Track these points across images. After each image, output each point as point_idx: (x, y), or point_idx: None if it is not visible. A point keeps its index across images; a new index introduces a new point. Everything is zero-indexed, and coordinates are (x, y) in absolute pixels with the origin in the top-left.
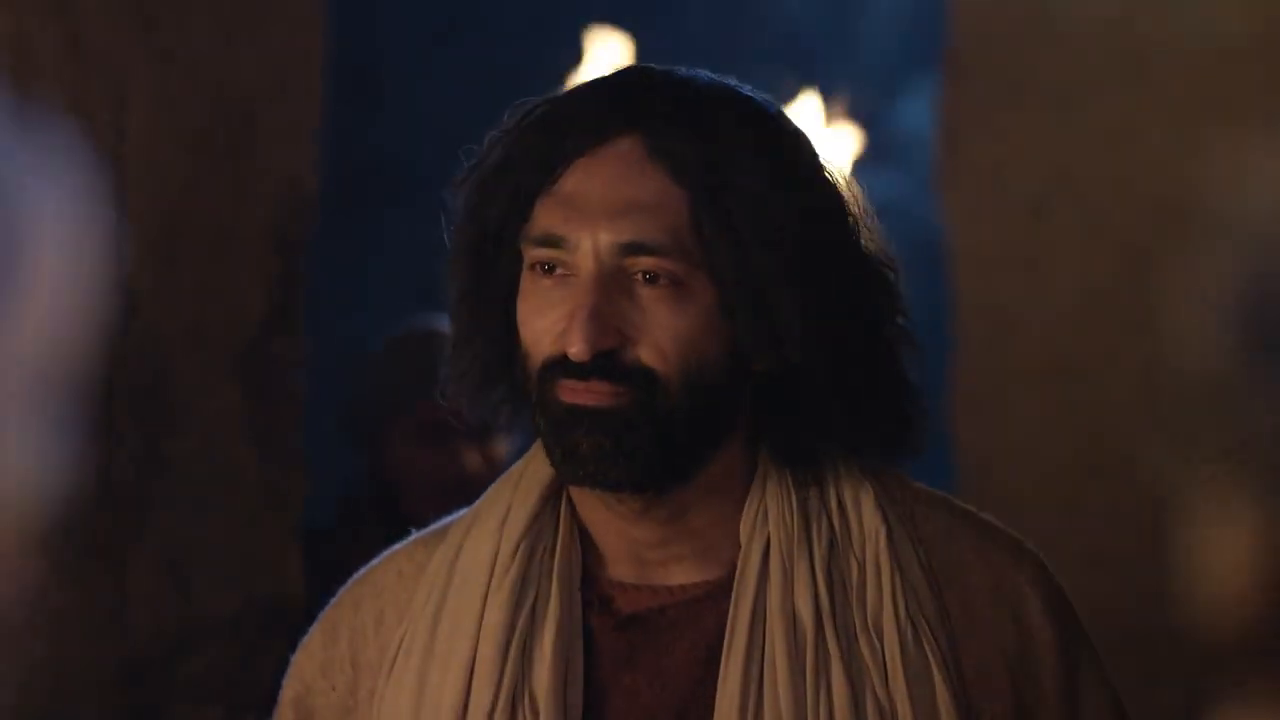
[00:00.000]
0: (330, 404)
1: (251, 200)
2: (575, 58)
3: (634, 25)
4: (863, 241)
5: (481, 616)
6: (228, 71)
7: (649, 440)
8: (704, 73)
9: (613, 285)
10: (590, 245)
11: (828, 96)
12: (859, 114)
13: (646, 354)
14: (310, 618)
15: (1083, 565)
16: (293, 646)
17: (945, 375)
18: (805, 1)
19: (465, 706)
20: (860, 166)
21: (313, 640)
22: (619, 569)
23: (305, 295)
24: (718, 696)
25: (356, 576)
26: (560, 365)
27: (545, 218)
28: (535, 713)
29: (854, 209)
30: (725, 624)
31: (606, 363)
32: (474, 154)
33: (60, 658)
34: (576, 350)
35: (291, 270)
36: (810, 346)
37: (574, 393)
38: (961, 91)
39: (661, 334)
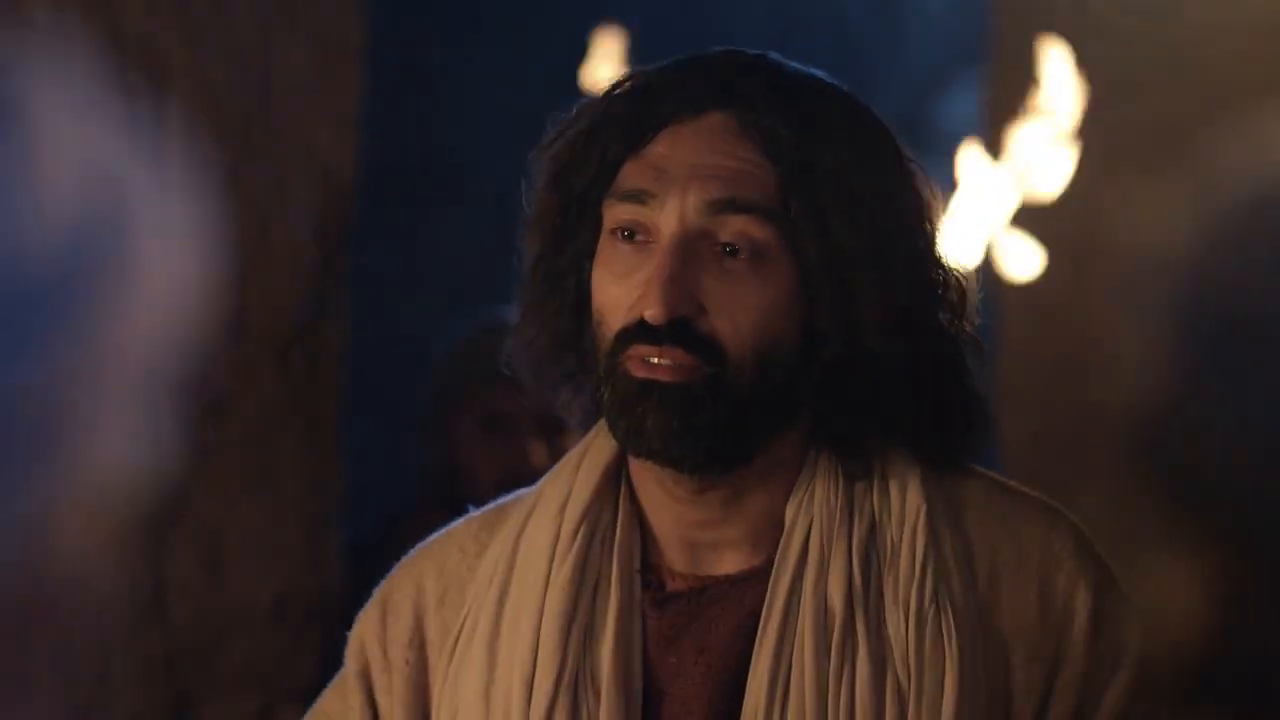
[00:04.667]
0: (378, 396)
1: (291, 189)
2: (626, 52)
3: (681, 20)
4: (939, 243)
5: (544, 598)
6: (266, 60)
7: (716, 419)
8: (791, 61)
9: (693, 254)
10: (677, 204)
11: (874, 95)
12: (905, 112)
13: (721, 327)
14: (349, 610)
15: None
16: (330, 637)
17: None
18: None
19: (531, 687)
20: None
21: (371, 614)
22: (671, 554)
23: (352, 287)
24: (750, 673)
25: (415, 552)
26: (634, 332)
27: (634, 176)
28: (597, 694)
29: (935, 210)
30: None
31: (682, 330)
32: (558, 122)
33: (101, 647)
34: (653, 313)
35: (331, 260)
36: (885, 334)
37: (646, 367)
38: (1003, 87)
39: (739, 308)
